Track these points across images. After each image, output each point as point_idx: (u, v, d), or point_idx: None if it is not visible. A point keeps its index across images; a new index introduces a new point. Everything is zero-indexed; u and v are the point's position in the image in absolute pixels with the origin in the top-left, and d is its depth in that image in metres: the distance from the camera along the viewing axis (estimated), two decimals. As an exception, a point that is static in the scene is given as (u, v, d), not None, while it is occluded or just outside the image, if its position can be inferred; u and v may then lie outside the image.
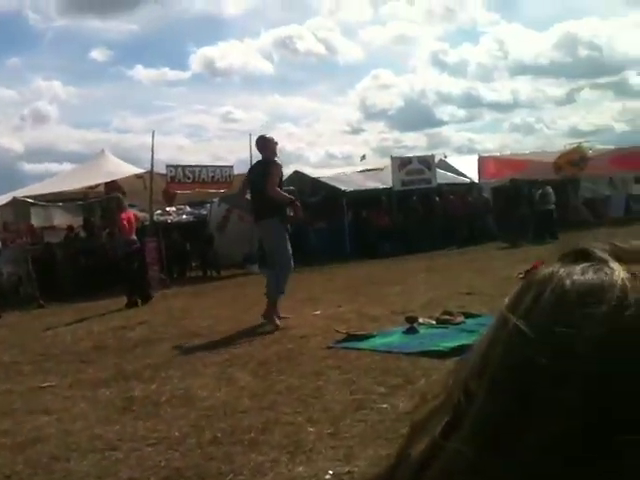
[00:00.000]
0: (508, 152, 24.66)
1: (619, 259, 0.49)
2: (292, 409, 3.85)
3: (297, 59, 74.42)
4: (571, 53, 77.91)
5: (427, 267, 11.95)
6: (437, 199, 18.97)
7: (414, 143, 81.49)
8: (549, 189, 16.53)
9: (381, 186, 18.55)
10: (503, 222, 17.15)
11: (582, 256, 0.50)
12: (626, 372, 0.42)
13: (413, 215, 18.38)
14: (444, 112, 78.84)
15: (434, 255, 15.05)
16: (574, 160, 19.36)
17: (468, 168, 20.81)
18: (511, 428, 0.43)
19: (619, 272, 0.46)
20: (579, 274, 0.47)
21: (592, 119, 72.12)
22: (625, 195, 20.23)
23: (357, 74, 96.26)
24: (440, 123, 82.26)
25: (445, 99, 79.84)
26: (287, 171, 12.39)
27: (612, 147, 22.81)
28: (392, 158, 18.81)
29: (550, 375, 0.44)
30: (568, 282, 0.47)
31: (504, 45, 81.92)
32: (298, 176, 17.58)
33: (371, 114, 75.09)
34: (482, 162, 20.01)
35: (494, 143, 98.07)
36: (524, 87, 78.86)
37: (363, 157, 24.47)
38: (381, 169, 19.80)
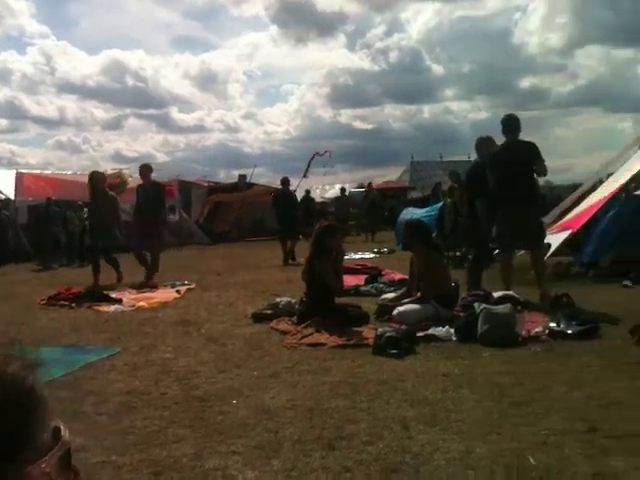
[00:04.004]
0: (51, 170, 24.25)
1: None
2: None
3: None
4: (119, 80, 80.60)
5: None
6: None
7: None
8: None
9: None
10: (38, 242, 16.38)
11: None
12: None
13: None
14: (-15, 119, 72.26)
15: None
16: (114, 184, 19.85)
17: (5, 183, 19.32)
18: None
19: None
20: None
21: (136, 146, 75.89)
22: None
23: None
24: (-21, 131, 74.85)
25: (-14, 106, 73.02)
26: None
27: (155, 175, 24.59)
28: None
29: None
30: None
31: (52, 60, 79.76)
32: None
33: None
34: (20, 178, 18.83)
35: (37, 158, 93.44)
36: (71, 106, 78.09)
37: None
38: None
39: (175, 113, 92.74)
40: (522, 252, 8.42)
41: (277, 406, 3.72)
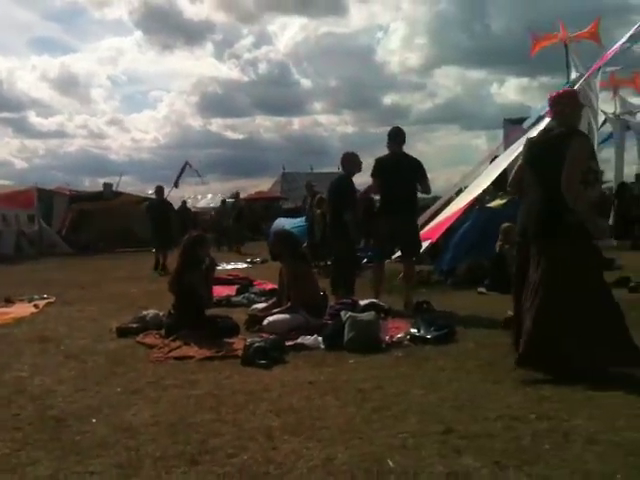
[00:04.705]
0: None
1: None
2: None
3: None
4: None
5: None
6: None
7: None
8: None
9: None
10: None
11: None
12: None
13: None
14: None
15: None
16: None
17: None
18: None
19: None
20: None
21: (-10, 152, 70.67)
22: (16, 232, 20.28)
23: None
24: None
25: None
26: None
27: (11, 183, 22.98)
28: None
29: None
30: None
31: None
32: None
33: None
34: None
35: None
36: None
37: None
38: None
39: (33, 117, 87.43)
40: (394, 258, 8.61)
41: (139, 423, 3.60)
